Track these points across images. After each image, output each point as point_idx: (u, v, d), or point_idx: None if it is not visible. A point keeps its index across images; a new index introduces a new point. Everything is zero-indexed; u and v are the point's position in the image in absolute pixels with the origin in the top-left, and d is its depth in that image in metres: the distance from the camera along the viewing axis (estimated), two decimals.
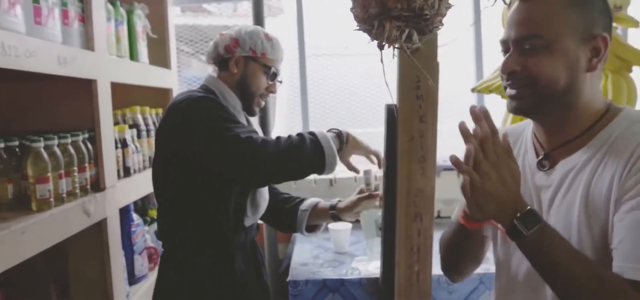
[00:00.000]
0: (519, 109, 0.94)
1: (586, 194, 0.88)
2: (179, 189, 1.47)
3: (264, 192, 1.62)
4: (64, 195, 1.36)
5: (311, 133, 1.42)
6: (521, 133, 1.09)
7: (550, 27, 0.88)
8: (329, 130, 1.50)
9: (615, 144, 0.88)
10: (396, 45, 0.81)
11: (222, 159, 1.35)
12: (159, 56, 2.31)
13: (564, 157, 0.94)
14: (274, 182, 1.59)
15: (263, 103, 1.61)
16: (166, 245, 1.55)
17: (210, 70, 1.62)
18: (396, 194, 1.45)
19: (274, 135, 1.73)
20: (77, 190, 1.42)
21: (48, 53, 1.25)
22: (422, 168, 1.37)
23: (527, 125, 1.08)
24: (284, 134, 1.45)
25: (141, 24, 2.08)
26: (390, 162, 1.45)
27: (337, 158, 1.41)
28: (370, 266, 1.68)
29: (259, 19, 2.38)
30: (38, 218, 1.21)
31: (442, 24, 0.85)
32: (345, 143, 1.49)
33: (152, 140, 2.08)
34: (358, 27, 0.85)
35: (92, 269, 1.58)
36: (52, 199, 1.30)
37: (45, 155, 1.29)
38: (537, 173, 0.99)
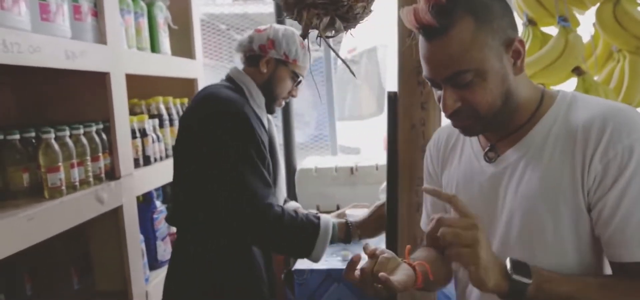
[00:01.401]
0: (471, 134, 0.98)
1: (542, 184, 0.87)
2: (195, 184, 1.49)
3: (283, 189, 1.65)
4: (77, 183, 1.42)
5: (318, 224, 1.45)
6: None
7: (471, 57, 0.85)
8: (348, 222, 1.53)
9: (561, 131, 0.88)
10: (319, 34, 0.79)
11: (231, 207, 1.41)
12: (185, 47, 2.36)
13: (510, 146, 0.94)
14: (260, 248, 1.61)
15: (283, 104, 1.64)
16: (179, 233, 1.60)
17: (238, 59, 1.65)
18: (398, 184, 1.42)
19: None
20: (91, 179, 1.49)
21: (54, 48, 1.31)
22: (424, 157, 1.34)
23: None
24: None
25: (162, 15, 2.13)
26: (391, 151, 1.42)
27: (323, 254, 1.47)
28: None
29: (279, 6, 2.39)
30: (47, 205, 1.28)
31: (369, 11, 0.82)
32: (353, 237, 1.53)
33: (176, 129, 2.14)
34: (286, 15, 0.84)
35: (110, 254, 1.66)
36: (63, 187, 1.36)
37: (55, 145, 1.35)
38: (484, 163, 0.98)
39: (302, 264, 1.66)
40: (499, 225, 0.95)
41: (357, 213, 1.86)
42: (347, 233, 1.51)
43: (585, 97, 0.93)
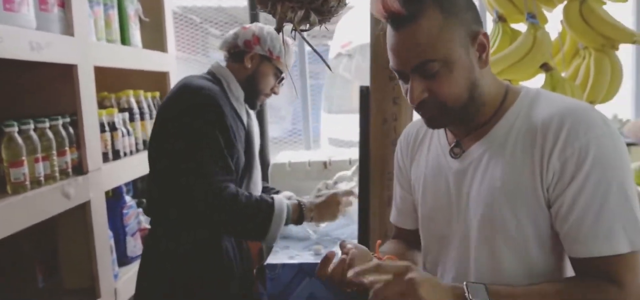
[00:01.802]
0: (436, 126, 0.97)
1: (503, 180, 0.88)
2: (168, 180, 1.48)
3: (258, 183, 1.66)
4: (42, 178, 1.38)
5: (272, 204, 1.45)
6: None
7: (439, 47, 0.85)
8: (299, 202, 1.54)
9: (522, 127, 0.89)
10: (294, 28, 0.78)
11: (186, 190, 1.40)
12: (157, 39, 2.32)
13: (474, 142, 0.94)
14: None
15: (265, 100, 1.68)
16: (152, 228, 1.59)
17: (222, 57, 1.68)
18: (369, 178, 1.43)
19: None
20: (57, 174, 1.45)
21: (18, 39, 1.27)
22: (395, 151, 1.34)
23: None
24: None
25: (133, 7, 2.09)
26: (363, 145, 1.43)
27: (278, 236, 1.47)
28: None
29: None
30: (10, 201, 1.24)
31: (344, 4, 0.82)
32: (306, 219, 1.53)
33: (147, 123, 2.11)
34: (260, 9, 0.83)
35: (78, 251, 1.62)
36: (27, 183, 1.32)
37: (19, 139, 1.31)
38: (450, 159, 0.98)
39: (275, 258, 1.65)
40: (463, 221, 0.95)
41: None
42: (300, 215, 1.52)
43: (549, 94, 0.93)
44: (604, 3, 1.37)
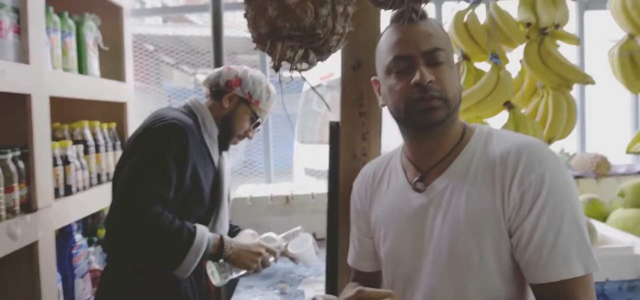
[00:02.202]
0: (434, 120, 0.94)
1: (467, 211, 0.92)
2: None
3: (225, 223, 1.63)
4: None
5: (194, 232, 1.38)
6: (388, 161, 1.11)
7: (444, 44, 0.95)
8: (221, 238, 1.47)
9: (480, 161, 0.94)
10: (292, 66, 0.77)
11: (118, 199, 1.36)
12: (115, 68, 2.24)
13: (436, 176, 0.98)
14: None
15: (238, 142, 1.66)
16: (111, 264, 1.51)
17: (192, 82, 1.63)
18: (338, 213, 1.41)
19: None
20: (2, 213, 1.35)
21: None
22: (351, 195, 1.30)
23: (394, 154, 1.10)
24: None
25: (92, 35, 2.02)
26: (332, 181, 1.42)
27: (192, 269, 1.39)
28: (317, 287, 1.64)
29: (217, 31, 2.35)
30: None
31: (342, 43, 0.82)
32: (225, 257, 1.48)
33: (102, 156, 2.02)
34: (255, 47, 0.81)
35: (22, 295, 1.50)
36: None
37: None
38: (413, 195, 1.00)
39: (238, 298, 1.60)
40: (429, 255, 0.95)
41: (300, 249, 1.80)
42: (220, 250, 1.45)
43: (500, 131, 1.00)
44: (558, 46, 1.45)
